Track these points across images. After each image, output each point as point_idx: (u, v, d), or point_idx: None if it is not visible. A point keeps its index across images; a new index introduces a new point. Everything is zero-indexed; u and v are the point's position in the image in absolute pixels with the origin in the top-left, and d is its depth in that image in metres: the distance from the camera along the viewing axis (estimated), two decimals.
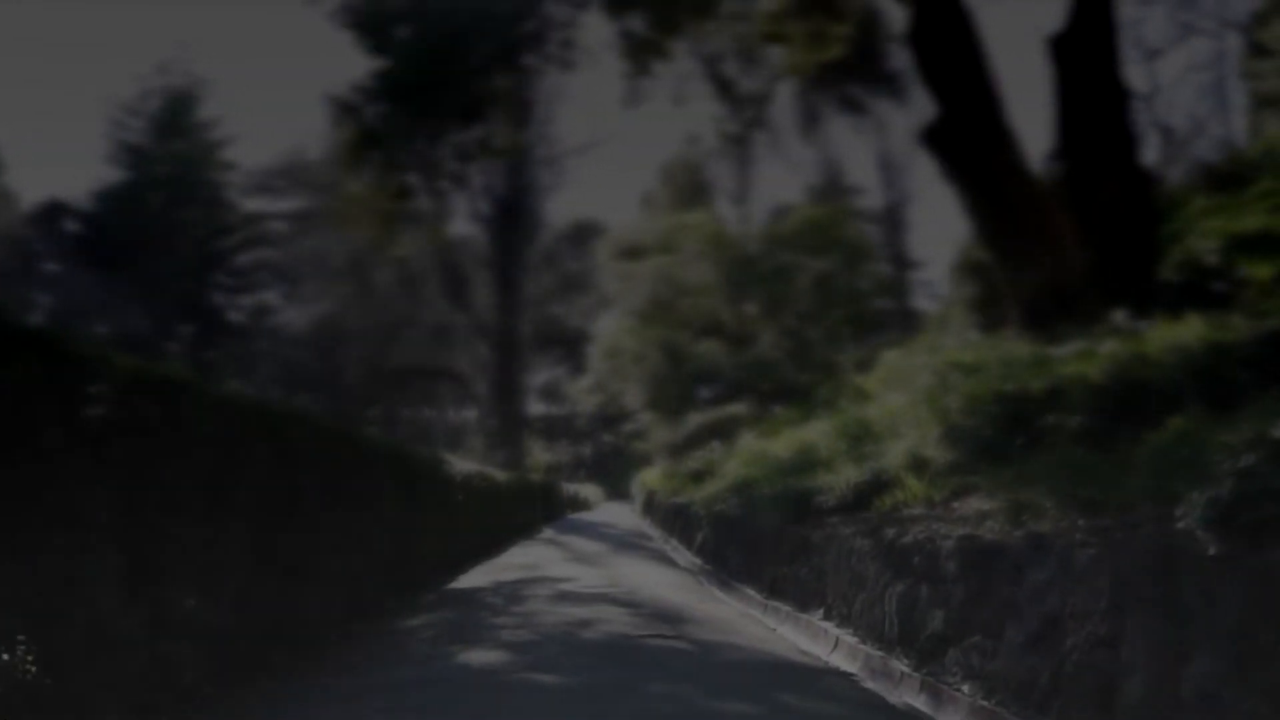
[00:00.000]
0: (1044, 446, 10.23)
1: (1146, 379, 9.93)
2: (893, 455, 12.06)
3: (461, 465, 17.13)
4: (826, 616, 9.99)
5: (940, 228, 77.50)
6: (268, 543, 8.29)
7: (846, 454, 13.62)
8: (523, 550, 20.51)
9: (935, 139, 16.92)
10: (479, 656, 8.18)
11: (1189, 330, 10.47)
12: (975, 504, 9.43)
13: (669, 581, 14.63)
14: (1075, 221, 16.17)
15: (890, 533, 8.77)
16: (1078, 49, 16.69)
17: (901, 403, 14.45)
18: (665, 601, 11.97)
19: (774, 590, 12.26)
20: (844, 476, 12.26)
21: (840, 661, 8.73)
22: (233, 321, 51.53)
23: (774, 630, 10.38)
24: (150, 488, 6.28)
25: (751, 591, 12.97)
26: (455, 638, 9.16)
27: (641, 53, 25.49)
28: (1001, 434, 10.83)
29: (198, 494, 7.02)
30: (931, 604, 7.58)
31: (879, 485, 11.56)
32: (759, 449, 18.94)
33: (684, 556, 19.14)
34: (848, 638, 9.09)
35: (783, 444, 17.33)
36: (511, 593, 12.62)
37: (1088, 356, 11.51)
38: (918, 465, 11.37)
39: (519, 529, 24.80)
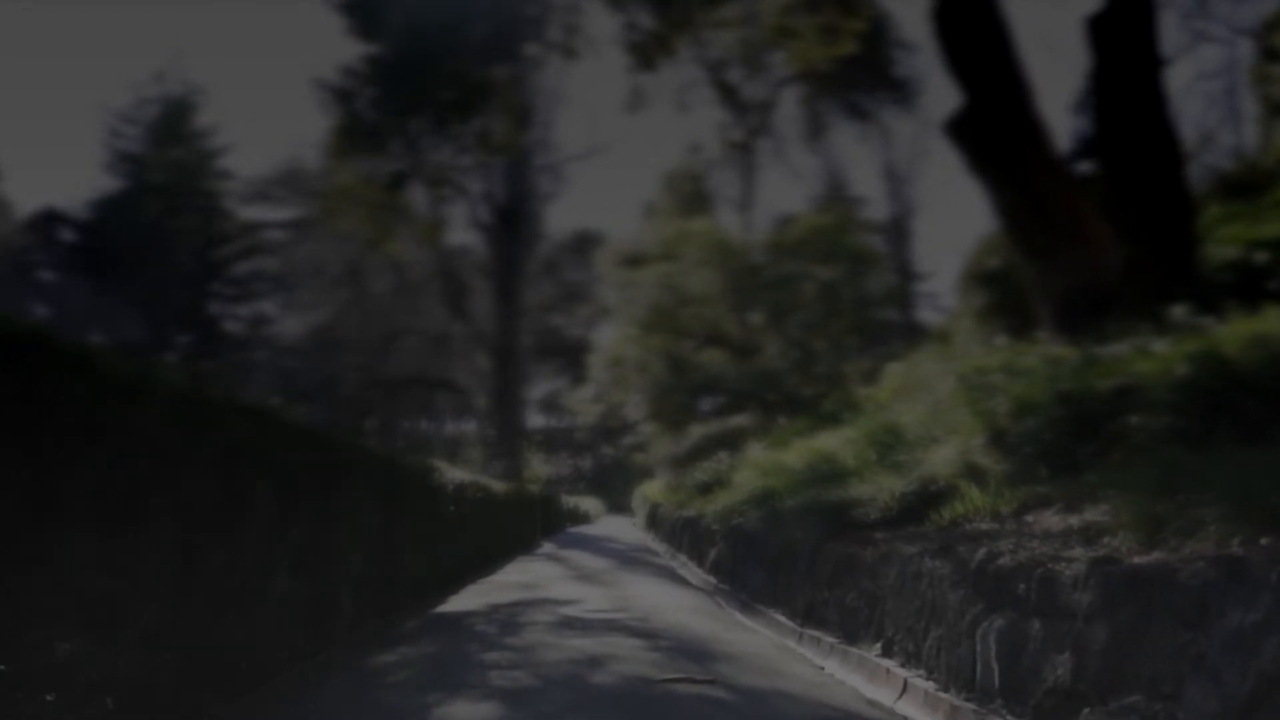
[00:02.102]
0: (1124, 450, 8.56)
1: (1240, 374, 8.35)
2: (938, 463, 10.41)
3: (454, 474, 15.20)
4: (886, 653, 8.07)
5: (944, 240, 75.54)
6: (201, 563, 6.38)
7: (877, 463, 12.02)
8: (521, 567, 18.55)
9: (960, 129, 15.41)
10: (463, 711, 6.25)
11: (1274, 324, 8.99)
12: (1056, 517, 7.74)
13: (685, 604, 12.69)
14: (1110, 215, 14.83)
15: (976, 554, 6.85)
16: (1117, 30, 15.19)
17: (930, 409, 12.96)
18: (686, 630, 10.04)
19: (809, 617, 10.35)
20: (885, 486, 10.59)
21: (916, 713, 6.82)
22: (230, 331, 49.60)
23: (821, 669, 8.45)
24: (3, 492, 4.39)
25: (780, 617, 11.07)
26: (436, 680, 7.23)
27: (645, 49, 23.74)
28: (1066, 438, 8.98)
29: (89, 501, 5.12)
30: (1050, 646, 5.67)
31: (929, 496, 9.93)
32: (773, 459, 17.24)
33: (695, 574, 17.22)
34: (919, 681, 7.18)
35: (798, 454, 15.80)
36: (507, 619, 10.68)
37: (1145, 354, 9.94)
38: (971, 474, 9.72)
39: (517, 543, 22.84)
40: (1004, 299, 25.00)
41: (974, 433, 10.70)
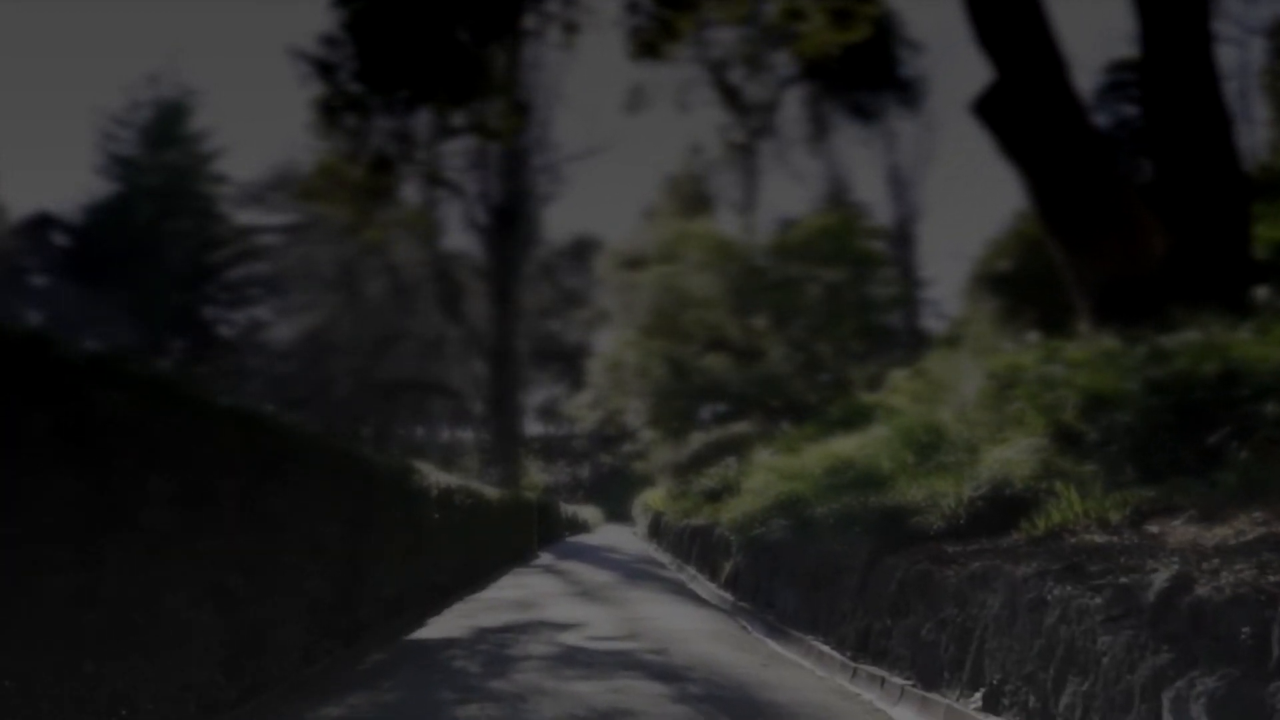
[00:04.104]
0: (1255, 444, 6.69)
1: None
2: (1003, 464, 8.49)
3: (439, 477, 13.03)
4: (991, 706, 5.91)
5: (946, 248, 73.31)
6: (37, 589, 4.23)
7: (916, 466, 10.08)
8: (515, 581, 16.32)
9: (991, 108, 13.90)
10: None
11: None
12: (1196, 528, 5.94)
13: (705, 628, 10.51)
14: (1153, 199, 12.93)
15: (1152, 580, 4.73)
16: None
17: (961, 410, 11.17)
18: (714, 665, 7.86)
19: (864, 648, 8.20)
20: (944, 490, 8.62)
21: None
22: (224, 336, 47.44)
23: None
24: None
25: (823, 646, 8.91)
26: None
27: (649, 34, 21.72)
28: (1167, 432, 7.38)
29: None
30: None
31: (1005, 501, 8.17)
32: (789, 464, 15.32)
33: (707, 589, 15.04)
34: None
35: (817, 458, 14.02)
36: (495, 649, 8.48)
37: (1204, 346, 8.38)
38: (1049, 475, 7.81)
39: (512, 554, 20.63)
40: (1018, 301, 23.33)
41: (1034, 430, 8.86)
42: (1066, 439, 8.67)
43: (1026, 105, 13.25)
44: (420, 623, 10.49)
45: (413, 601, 11.22)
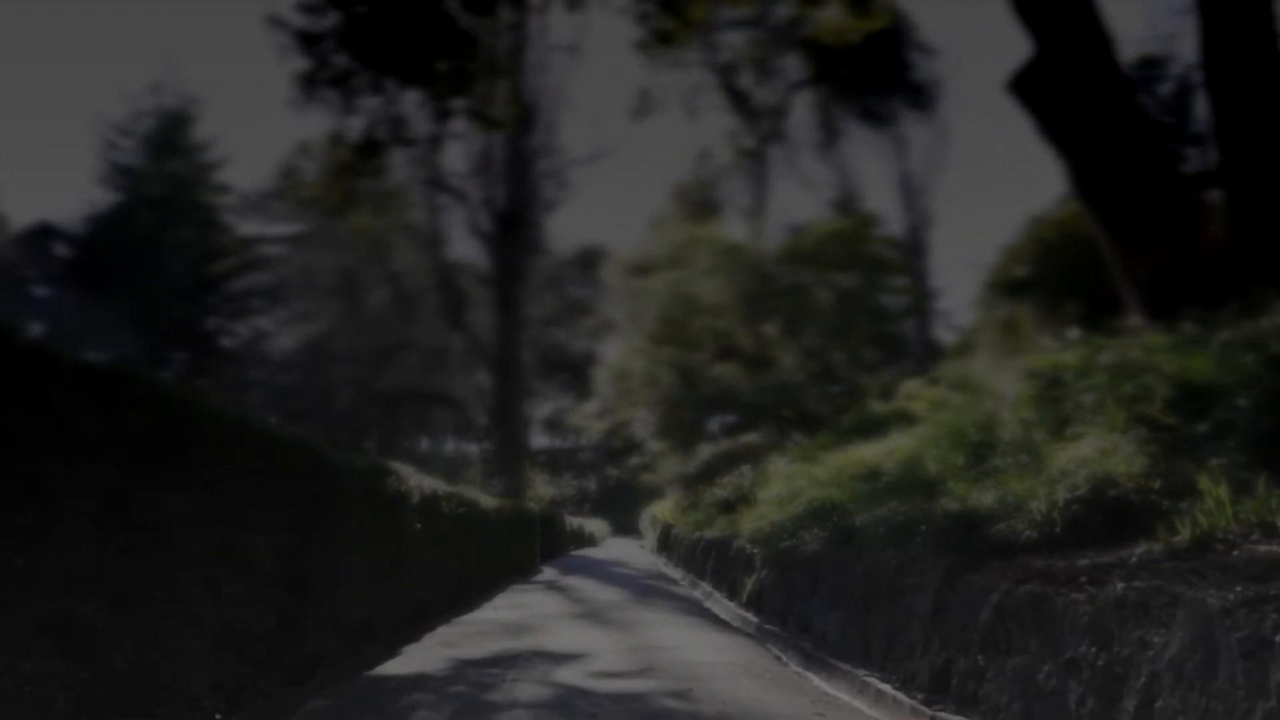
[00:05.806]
0: None
1: None
2: (1085, 461, 6.86)
3: (422, 481, 11.08)
4: None
5: (956, 258, 71.08)
6: None
7: (968, 468, 8.36)
8: (512, 600, 14.30)
9: (1030, 85, 12.51)
10: None
11: None
12: None
13: (732, 659, 8.51)
14: (1217, 186, 11.63)
15: None
16: None
17: (1006, 407, 9.50)
18: (752, 714, 5.90)
19: (943, 690, 6.26)
20: (1026, 492, 6.93)
21: None
22: (226, 347, 45.72)
23: None
24: None
25: (881, 684, 6.95)
26: None
27: (659, 22, 20.04)
28: None
29: None
30: None
31: (1110, 505, 6.32)
32: (815, 470, 13.56)
33: (726, 608, 13.07)
34: None
35: (840, 464, 12.38)
36: (474, 694, 6.51)
37: None
38: (1159, 474, 6.07)
39: (511, 569, 18.66)
40: (1048, 301, 22.02)
41: (1113, 425, 7.14)
42: (1157, 432, 6.94)
43: (1069, 81, 11.86)
44: (392, 652, 8.54)
45: (386, 626, 9.27)
